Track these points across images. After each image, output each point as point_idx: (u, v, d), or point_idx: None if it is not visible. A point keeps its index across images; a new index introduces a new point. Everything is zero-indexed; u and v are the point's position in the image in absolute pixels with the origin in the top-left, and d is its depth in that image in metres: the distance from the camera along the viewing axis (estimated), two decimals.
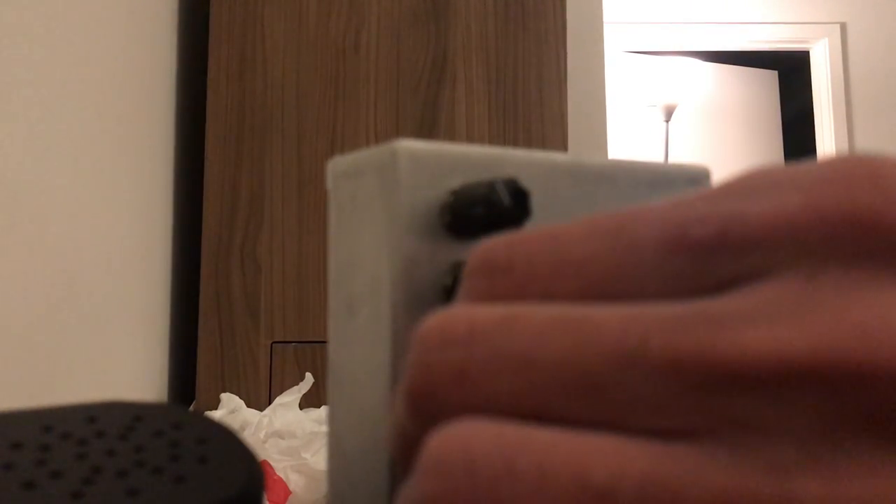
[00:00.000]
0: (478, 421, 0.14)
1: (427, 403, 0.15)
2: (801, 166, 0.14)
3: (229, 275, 1.25)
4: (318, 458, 0.75)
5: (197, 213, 1.29)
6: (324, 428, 0.80)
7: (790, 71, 4.28)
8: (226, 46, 1.29)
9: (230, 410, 0.84)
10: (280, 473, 0.73)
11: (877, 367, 0.12)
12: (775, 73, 4.32)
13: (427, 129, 1.30)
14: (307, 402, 0.88)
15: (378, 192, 0.22)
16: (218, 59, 1.29)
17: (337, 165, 0.24)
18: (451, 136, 1.30)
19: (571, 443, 0.14)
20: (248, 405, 0.86)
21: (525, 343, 0.15)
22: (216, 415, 0.83)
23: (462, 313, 0.16)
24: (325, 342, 1.25)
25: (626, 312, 0.14)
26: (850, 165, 0.14)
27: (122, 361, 1.02)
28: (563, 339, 0.14)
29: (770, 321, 0.13)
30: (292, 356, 1.24)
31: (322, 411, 0.83)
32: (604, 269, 0.15)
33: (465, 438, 0.14)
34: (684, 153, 3.99)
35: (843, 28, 3.80)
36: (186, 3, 1.34)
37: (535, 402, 0.14)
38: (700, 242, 0.14)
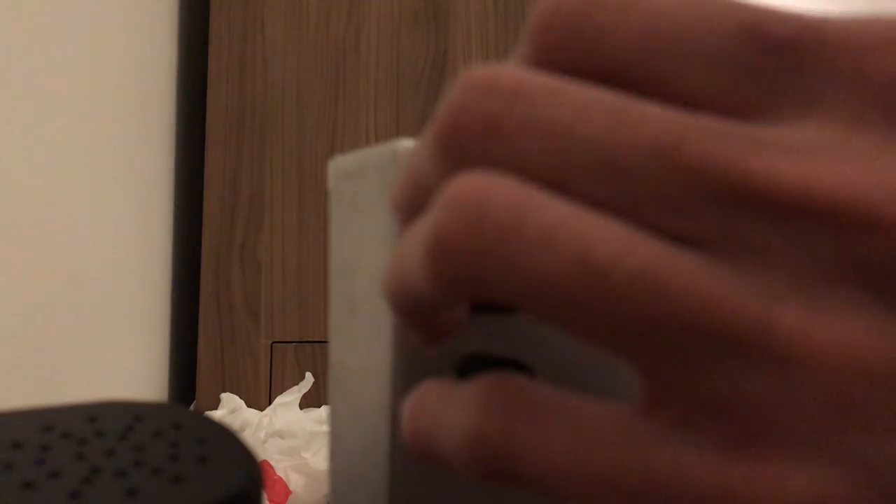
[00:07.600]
0: (501, 174, 0.15)
1: (453, 144, 0.15)
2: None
3: (229, 275, 1.25)
4: (318, 458, 0.75)
5: (197, 213, 1.29)
6: (324, 428, 0.80)
7: None
8: (226, 46, 1.29)
9: (230, 410, 0.83)
10: (280, 473, 0.73)
11: (891, 222, 0.12)
12: None
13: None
14: (307, 402, 0.87)
15: (379, 191, 0.22)
16: (218, 59, 1.28)
17: (338, 165, 0.24)
18: None
19: (583, 220, 0.14)
20: (248, 405, 0.86)
21: (566, 114, 0.14)
22: (216, 415, 0.83)
23: (512, 71, 0.15)
24: (325, 342, 1.25)
25: (671, 113, 0.14)
26: None
27: (122, 361, 1.02)
28: (604, 120, 0.14)
29: (807, 154, 0.13)
30: (292, 356, 1.24)
31: (322, 411, 0.83)
32: (669, 52, 0.15)
33: (484, 186, 0.14)
34: None
35: None
36: (186, 3, 1.34)
37: (560, 172, 0.14)
38: (774, 40, 0.14)
